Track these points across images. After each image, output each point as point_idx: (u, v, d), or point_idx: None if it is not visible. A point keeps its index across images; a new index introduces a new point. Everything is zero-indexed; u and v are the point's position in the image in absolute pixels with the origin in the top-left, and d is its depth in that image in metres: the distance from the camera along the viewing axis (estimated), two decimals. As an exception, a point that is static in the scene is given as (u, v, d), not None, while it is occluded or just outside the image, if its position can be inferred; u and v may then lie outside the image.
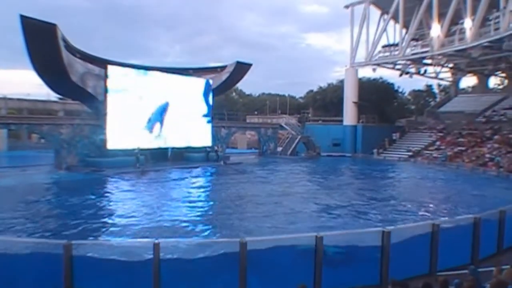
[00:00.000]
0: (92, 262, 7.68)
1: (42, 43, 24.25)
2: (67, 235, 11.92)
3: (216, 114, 39.93)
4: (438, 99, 65.83)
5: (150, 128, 32.39)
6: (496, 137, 39.29)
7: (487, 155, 36.24)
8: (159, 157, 32.38)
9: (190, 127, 35.26)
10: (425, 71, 51.66)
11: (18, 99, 46.54)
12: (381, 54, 48.54)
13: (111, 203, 19.06)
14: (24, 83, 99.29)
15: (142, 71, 32.81)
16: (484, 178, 30.32)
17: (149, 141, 32.13)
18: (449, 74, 57.16)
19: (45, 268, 7.50)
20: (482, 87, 55.26)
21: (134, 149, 29.60)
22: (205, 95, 37.08)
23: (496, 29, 35.00)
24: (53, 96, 45.68)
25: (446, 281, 6.57)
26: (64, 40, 26.26)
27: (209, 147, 36.37)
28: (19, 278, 7.35)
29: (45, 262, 7.63)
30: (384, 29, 47.83)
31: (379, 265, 8.75)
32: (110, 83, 29.89)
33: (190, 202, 19.10)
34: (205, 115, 37.03)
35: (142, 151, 30.14)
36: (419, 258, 9.50)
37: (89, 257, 7.80)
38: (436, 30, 40.44)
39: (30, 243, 9.33)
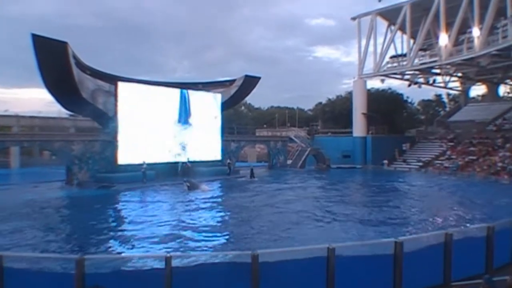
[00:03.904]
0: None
1: (53, 61, 24.61)
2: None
3: (225, 128, 40.00)
4: (448, 109, 65.61)
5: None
6: (507, 145, 38.94)
7: (499, 164, 35.91)
8: (169, 172, 32.36)
9: (201, 141, 35.50)
10: (434, 80, 51.67)
11: (30, 117, 47.03)
12: (389, 65, 48.59)
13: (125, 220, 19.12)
14: (36, 101, 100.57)
15: (151, 86, 33.09)
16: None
17: (159, 156, 32.25)
18: (458, 83, 56.99)
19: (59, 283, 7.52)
20: (492, 96, 54.89)
21: (141, 164, 29.73)
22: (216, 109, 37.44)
23: (504, 37, 34.93)
24: (64, 113, 46.07)
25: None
26: (75, 58, 26.60)
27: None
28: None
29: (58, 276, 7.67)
30: (392, 40, 47.93)
31: (392, 275, 8.67)
32: (120, 99, 30.20)
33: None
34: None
35: (151, 165, 30.26)
36: (433, 268, 9.40)
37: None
38: (444, 40, 40.41)
39: (42, 258, 9.40)
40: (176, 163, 33.58)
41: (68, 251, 12.43)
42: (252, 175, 35.33)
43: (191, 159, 34.20)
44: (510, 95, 59.14)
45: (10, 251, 10.59)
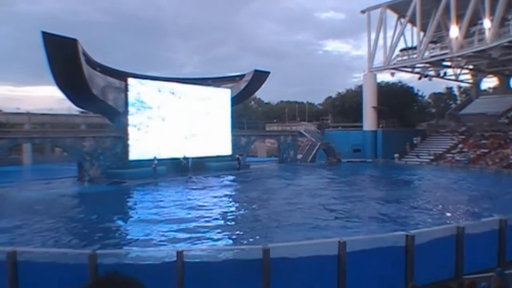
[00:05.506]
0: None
1: (64, 58, 24.73)
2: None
3: (235, 123, 40.04)
4: (459, 102, 64.87)
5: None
6: (520, 138, 38.55)
7: (512, 157, 35.58)
8: (179, 167, 32.42)
9: (211, 137, 35.56)
10: (445, 73, 51.15)
11: (41, 114, 47.39)
12: (399, 58, 48.19)
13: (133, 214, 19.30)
14: (47, 98, 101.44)
15: (161, 82, 33.19)
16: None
17: (170, 152, 32.29)
18: (469, 76, 56.36)
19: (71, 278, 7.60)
20: (503, 88, 54.17)
21: (152, 160, 29.86)
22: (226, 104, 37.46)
23: (516, 28, 34.51)
24: (74, 110, 46.40)
25: (473, 283, 6.47)
26: (85, 54, 26.72)
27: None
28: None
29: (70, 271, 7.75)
30: (402, 33, 47.51)
31: (404, 269, 8.65)
32: (130, 96, 30.35)
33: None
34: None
35: (161, 161, 30.34)
36: (445, 261, 9.35)
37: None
38: (454, 32, 39.97)
39: (55, 253, 9.50)
40: (186, 158, 33.58)
41: (89, 242, 12.71)
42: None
43: (197, 155, 33.93)
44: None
45: (25, 247, 10.74)
